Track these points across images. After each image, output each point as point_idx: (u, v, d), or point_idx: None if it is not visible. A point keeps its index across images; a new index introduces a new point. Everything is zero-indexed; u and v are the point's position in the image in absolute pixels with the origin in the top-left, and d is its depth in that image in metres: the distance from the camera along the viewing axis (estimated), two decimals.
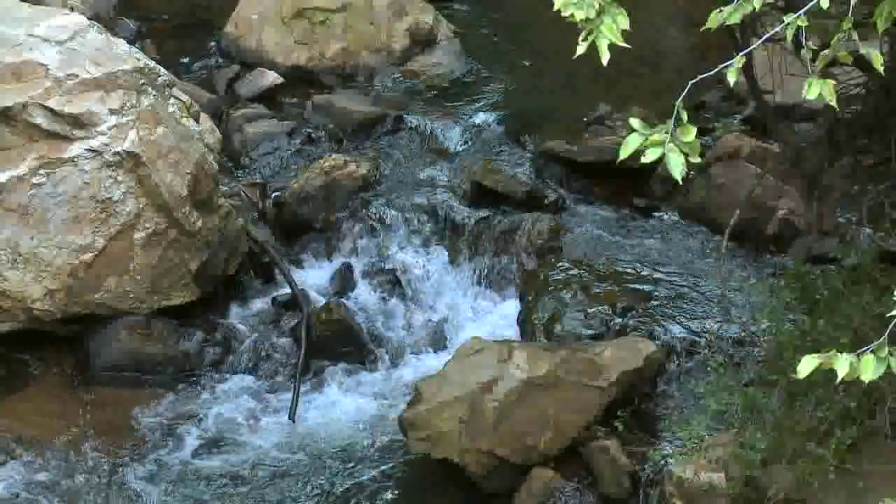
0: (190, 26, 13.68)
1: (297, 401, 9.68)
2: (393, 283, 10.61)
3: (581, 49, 4.81)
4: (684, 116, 4.68)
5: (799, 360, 4.64)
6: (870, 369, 4.55)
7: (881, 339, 4.56)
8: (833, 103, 4.82)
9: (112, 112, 9.68)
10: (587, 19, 4.74)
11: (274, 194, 11.19)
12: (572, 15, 4.74)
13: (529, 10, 13.37)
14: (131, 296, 9.90)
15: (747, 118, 11.62)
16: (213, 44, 13.33)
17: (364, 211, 10.97)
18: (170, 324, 10.01)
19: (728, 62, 4.83)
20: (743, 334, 9.32)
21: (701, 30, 5.09)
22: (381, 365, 10.12)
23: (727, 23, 4.89)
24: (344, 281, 10.64)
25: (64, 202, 9.63)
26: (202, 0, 14.11)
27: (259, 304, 10.49)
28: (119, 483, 9.02)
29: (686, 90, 4.74)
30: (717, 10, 4.90)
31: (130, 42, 10.95)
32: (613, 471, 8.60)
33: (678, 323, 9.78)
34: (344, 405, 9.79)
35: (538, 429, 8.75)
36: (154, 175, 9.76)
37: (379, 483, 9.12)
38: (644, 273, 10.35)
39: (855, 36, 4.89)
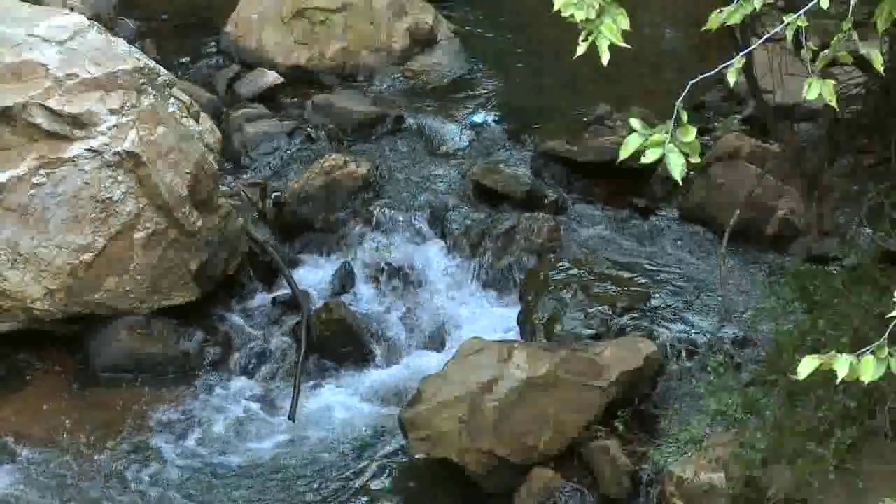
0: (190, 26, 13.69)
1: (297, 400, 9.68)
2: (393, 282, 10.62)
3: (581, 49, 4.81)
4: (684, 116, 4.68)
5: (799, 361, 4.63)
6: (870, 370, 4.55)
7: (881, 340, 4.56)
8: (833, 103, 4.82)
9: (112, 112, 9.68)
10: (587, 19, 4.74)
11: (274, 194, 11.19)
12: (572, 15, 4.74)
13: (529, 10, 13.38)
14: (131, 296, 9.90)
15: (747, 118, 11.63)
16: (213, 44, 13.34)
17: (364, 211, 10.97)
18: (170, 324, 10.01)
19: (728, 62, 4.83)
20: (743, 334, 9.33)
21: (701, 30, 5.09)
22: (380, 365, 10.12)
23: (727, 23, 4.89)
24: (344, 281, 10.64)
25: (64, 202, 9.63)
26: (202, 0, 14.11)
27: (259, 304, 10.49)
28: (119, 483, 9.02)
29: (686, 90, 4.74)
30: (717, 10, 4.90)
31: (130, 42, 10.95)
32: (613, 471, 8.60)
33: (678, 323, 9.78)
34: (344, 405, 9.79)
35: (538, 429, 8.75)
36: (154, 175, 9.76)
37: (379, 483, 9.12)
38: (644, 273, 10.36)
39: (855, 36, 4.89)
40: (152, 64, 10.12)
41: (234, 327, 10.24)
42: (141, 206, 9.78)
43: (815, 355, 4.63)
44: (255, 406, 9.75)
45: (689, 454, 8.11)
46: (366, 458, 9.31)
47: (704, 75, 4.93)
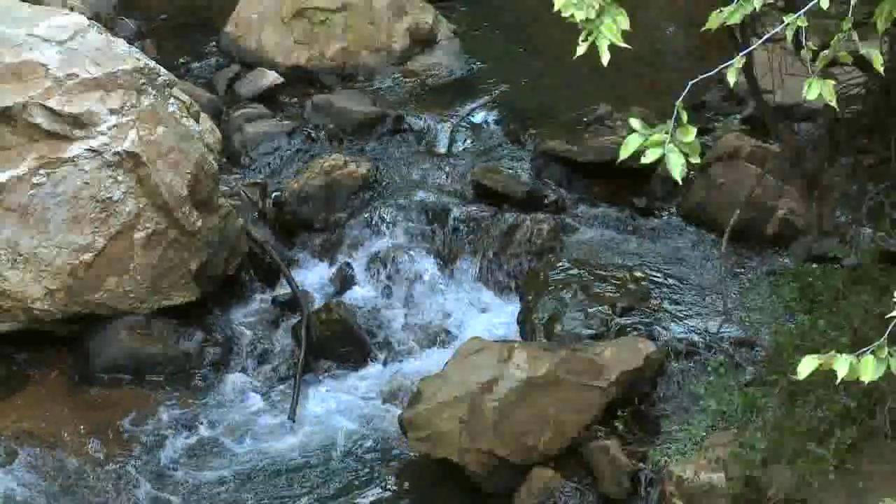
0: (190, 26, 13.68)
1: (297, 400, 9.69)
2: (393, 282, 10.61)
3: (581, 49, 4.82)
4: (684, 116, 4.68)
5: (799, 361, 4.64)
6: (870, 370, 4.56)
7: (881, 340, 4.57)
8: (833, 103, 4.83)
9: (112, 112, 9.68)
10: (587, 20, 4.74)
11: (274, 194, 11.19)
12: (572, 15, 4.75)
13: (529, 11, 13.38)
14: (131, 296, 9.90)
15: (747, 118, 11.63)
16: (213, 44, 13.33)
17: (364, 211, 10.97)
18: (170, 324, 10.01)
19: (728, 62, 4.83)
20: (743, 334, 9.33)
21: (701, 30, 5.10)
22: (380, 365, 10.12)
23: (727, 23, 4.89)
24: (344, 281, 10.64)
25: (64, 202, 9.63)
26: (202, 0, 14.11)
27: (259, 304, 10.49)
28: (119, 483, 9.02)
29: (686, 90, 4.74)
30: (717, 10, 4.91)
31: (130, 42, 10.94)
32: (613, 471, 8.60)
33: (678, 323, 9.78)
34: (344, 405, 9.79)
35: (538, 429, 8.75)
36: (154, 175, 9.76)
37: (379, 483, 9.12)
38: (644, 273, 10.35)
39: (855, 36, 4.90)
40: (152, 64, 10.12)
41: (234, 327, 10.24)
42: (141, 206, 9.78)
43: (815, 355, 4.63)
44: (254, 406, 9.75)
45: (689, 454, 8.11)
46: (366, 458, 9.31)
47: (704, 75, 4.94)
